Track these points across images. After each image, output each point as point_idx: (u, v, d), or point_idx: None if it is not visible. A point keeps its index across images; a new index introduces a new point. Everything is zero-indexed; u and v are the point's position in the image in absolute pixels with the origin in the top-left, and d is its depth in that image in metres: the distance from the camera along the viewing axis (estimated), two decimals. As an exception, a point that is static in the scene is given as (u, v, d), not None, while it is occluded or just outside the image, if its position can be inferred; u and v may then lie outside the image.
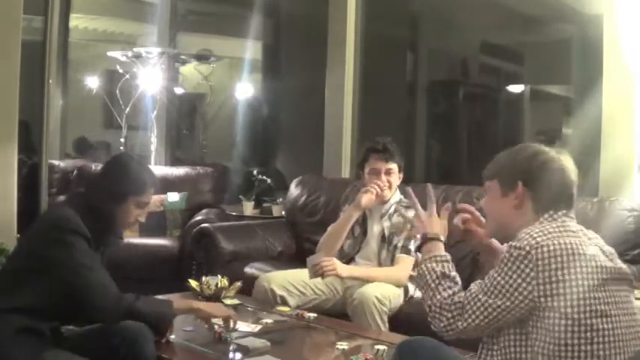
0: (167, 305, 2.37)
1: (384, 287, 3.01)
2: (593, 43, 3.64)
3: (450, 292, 1.74)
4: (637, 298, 2.64)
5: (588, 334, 1.59)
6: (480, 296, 1.68)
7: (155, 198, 4.92)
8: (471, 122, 5.43)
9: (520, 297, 1.62)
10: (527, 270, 1.62)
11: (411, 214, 3.18)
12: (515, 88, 5.10)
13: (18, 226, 3.79)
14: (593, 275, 1.63)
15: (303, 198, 4.44)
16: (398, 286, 3.09)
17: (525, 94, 4.94)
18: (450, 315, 1.71)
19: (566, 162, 1.80)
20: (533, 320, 1.64)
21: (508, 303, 1.64)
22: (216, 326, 2.61)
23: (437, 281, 1.76)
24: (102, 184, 2.41)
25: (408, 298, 3.16)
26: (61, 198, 5.25)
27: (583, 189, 3.82)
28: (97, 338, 2.20)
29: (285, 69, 6.81)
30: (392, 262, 3.20)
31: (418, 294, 3.19)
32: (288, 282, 3.22)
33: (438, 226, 1.92)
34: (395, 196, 3.31)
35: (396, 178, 3.29)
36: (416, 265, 3.17)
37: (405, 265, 3.14)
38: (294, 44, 6.67)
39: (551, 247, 1.62)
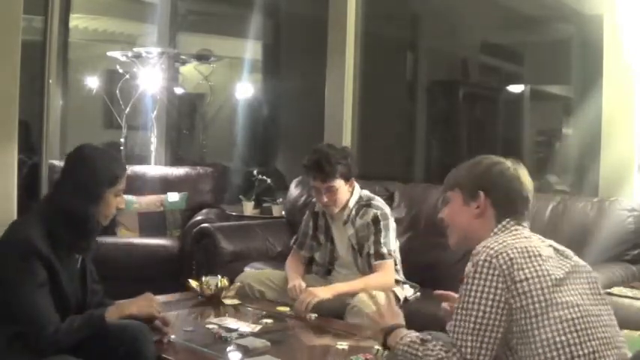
0: (97, 317, 2.25)
1: (381, 295, 2.96)
2: (593, 43, 3.64)
3: (439, 346, 1.72)
4: (636, 298, 2.65)
5: (559, 325, 1.63)
6: (461, 322, 1.69)
7: (155, 198, 4.93)
8: (470, 122, 5.42)
9: (496, 303, 1.66)
10: (494, 276, 1.67)
11: (371, 213, 3.14)
12: (515, 88, 5.10)
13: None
14: (552, 271, 1.69)
15: (303, 198, 4.44)
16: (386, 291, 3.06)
17: (525, 94, 4.94)
18: (454, 359, 1.68)
19: (522, 172, 1.89)
20: (512, 331, 1.67)
21: (488, 310, 1.66)
22: (215, 327, 2.61)
23: (422, 347, 1.75)
24: (72, 186, 2.27)
25: (403, 302, 3.15)
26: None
27: (583, 189, 3.85)
28: (97, 339, 2.20)
29: (285, 69, 6.81)
30: (370, 268, 3.13)
31: (408, 293, 3.20)
32: (266, 277, 3.28)
33: (390, 318, 1.95)
34: (353, 199, 3.20)
35: (342, 191, 3.14)
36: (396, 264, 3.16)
37: (387, 270, 3.08)
38: (294, 44, 6.66)
39: (510, 253, 1.69)
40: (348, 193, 3.19)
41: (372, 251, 3.11)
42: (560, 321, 1.63)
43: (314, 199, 3.38)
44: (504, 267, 1.67)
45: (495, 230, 1.83)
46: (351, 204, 3.20)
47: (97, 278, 2.49)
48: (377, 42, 5.06)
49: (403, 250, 3.36)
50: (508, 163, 1.89)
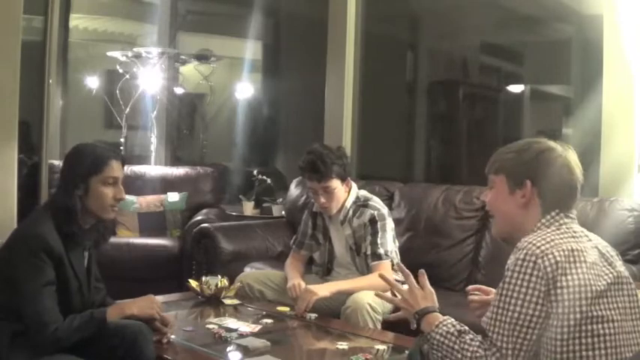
0: (98, 317, 2.24)
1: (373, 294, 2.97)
2: (593, 43, 3.64)
3: (477, 342, 1.68)
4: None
5: (589, 339, 1.58)
6: (500, 322, 1.63)
7: (155, 198, 4.93)
8: (470, 122, 5.42)
9: (539, 306, 1.60)
10: (538, 278, 1.60)
11: (368, 213, 3.13)
12: (515, 88, 5.09)
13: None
14: (593, 282, 1.62)
15: (303, 198, 4.44)
16: (384, 291, 3.05)
17: (525, 94, 4.93)
18: (494, 358, 1.63)
19: (572, 158, 1.77)
20: (542, 334, 1.62)
21: (530, 312, 1.60)
22: (215, 327, 2.61)
23: (458, 341, 1.70)
24: (63, 180, 2.32)
25: None
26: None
27: (583, 189, 3.85)
28: (96, 339, 2.20)
29: (285, 69, 6.81)
30: (368, 268, 3.13)
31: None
32: (266, 277, 3.28)
33: (423, 299, 1.87)
34: (349, 200, 3.20)
35: (339, 191, 3.14)
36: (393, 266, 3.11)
37: (385, 270, 2.99)
38: (294, 44, 6.66)
39: (556, 255, 1.61)
40: (344, 193, 3.19)
41: (369, 252, 3.11)
42: (592, 335, 1.58)
43: (313, 199, 3.38)
44: (549, 269, 1.59)
45: (543, 221, 1.73)
46: (348, 204, 3.20)
47: (99, 276, 2.50)
48: (377, 42, 5.06)
49: (403, 250, 3.36)
50: (558, 149, 1.76)
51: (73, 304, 2.25)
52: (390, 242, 3.14)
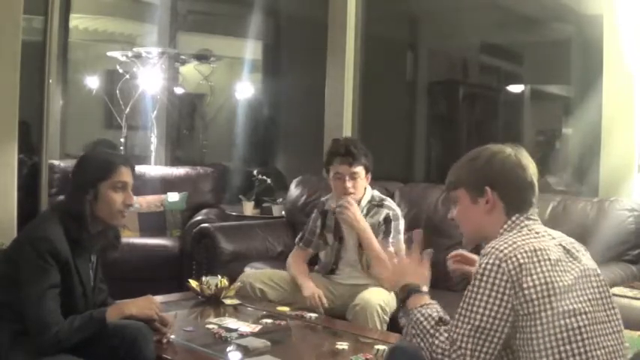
0: (98, 317, 2.25)
1: (385, 294, 2.97)
2: (593, 43, 3.64)
3: (446, 334, 1.69)
4: (636, 298, 2.65)
5: (565, 334, 1.60)
6: (463, 323, 1.65)
7: (155, 198, 4.93)
8: (470, 122, 5.42)
9: (501, 309, 1.62)
10: (502, 281, 1.63)
11: (384, 213, 3.17)
12: (515, 88, 5.10)
13: (18, 226, 3.80)
14: (560, 278, 1.65)
15: (303, 198, 4.44)
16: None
17: (525, 94, 4.94)
18: (454, 356, 1.65)
19: (523, 155, 1.83)
20: (516, 337, 1.64)
21: (493, 315, 1.62)
22: (215, 327, 2.61)
23: (436, 326, 1.72)
24: (73, 185, 2.34)
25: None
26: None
27: (583, 189, 3.86)
28: (96, 339, 2.20)
29: (285, 69, 6.81)
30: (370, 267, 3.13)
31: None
32: (268, 277, 3.28)
33: (412, 275, 1.89)
34: (365, 197, 3.22)
35: (363, 181, 3.19)
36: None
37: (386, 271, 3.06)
38: (294, 44, 6.67)
39: (519, 257, 1.64)
40: (363, 188, 3.21)
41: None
42: (566, 329, 1.60)
43: (323, 199, 3.39)
44: (512, 272, 1.62)
45: (505, 227, 1.77)
46: (364, 202, 3.22)
47: (102, 277, 2.50)
48: (377, 42, 5.06)
49: (403, 250, 3.36)
50: (507, 150, 1.83)
51: (77, 307, 2.26)
52: (401, 243, 3.14)
